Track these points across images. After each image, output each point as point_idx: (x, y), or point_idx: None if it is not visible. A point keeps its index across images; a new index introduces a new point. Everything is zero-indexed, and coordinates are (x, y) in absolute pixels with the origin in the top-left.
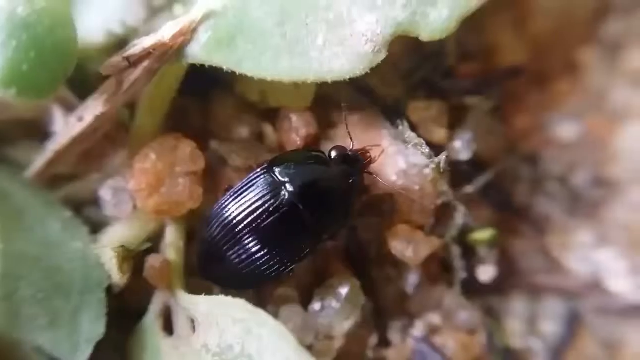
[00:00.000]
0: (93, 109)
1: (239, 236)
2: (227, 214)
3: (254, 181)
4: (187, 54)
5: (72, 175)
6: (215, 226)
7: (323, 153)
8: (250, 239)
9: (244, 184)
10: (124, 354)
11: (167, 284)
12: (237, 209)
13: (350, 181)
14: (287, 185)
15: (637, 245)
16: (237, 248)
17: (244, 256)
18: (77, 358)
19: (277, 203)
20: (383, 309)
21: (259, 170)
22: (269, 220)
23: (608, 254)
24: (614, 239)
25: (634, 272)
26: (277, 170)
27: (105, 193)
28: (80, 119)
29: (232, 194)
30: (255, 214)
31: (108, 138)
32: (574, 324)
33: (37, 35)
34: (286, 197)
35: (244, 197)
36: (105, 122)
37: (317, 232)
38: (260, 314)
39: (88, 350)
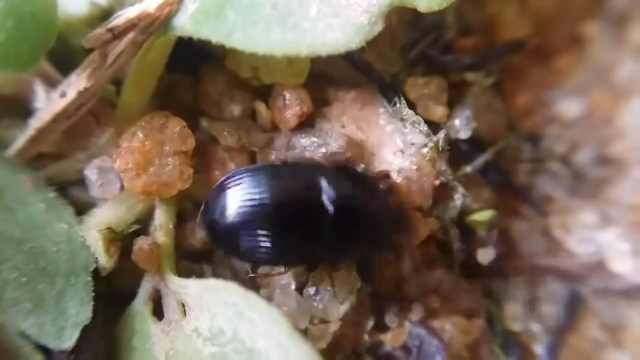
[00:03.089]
0: (76, 84)
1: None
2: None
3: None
4: (174, 26)
5: (56, 154)
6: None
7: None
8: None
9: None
10: (112, 339)
11: (157, 267)
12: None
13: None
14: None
15: None
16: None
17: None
18: (63, 343)
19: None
20: (380, 293)
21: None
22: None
23: (611, 235)
24: (617, 219)
25: (638, 253)
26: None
27: (91, 173)
28: (63, 95)
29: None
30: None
31: (93, 115)
32: (575, 306)
33: (13, 3)
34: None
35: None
36: (90, 98)
37: (335, 247)
38: (252, 298)
39: (74, 335)
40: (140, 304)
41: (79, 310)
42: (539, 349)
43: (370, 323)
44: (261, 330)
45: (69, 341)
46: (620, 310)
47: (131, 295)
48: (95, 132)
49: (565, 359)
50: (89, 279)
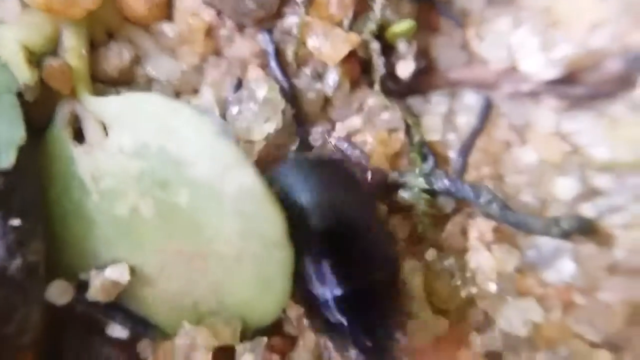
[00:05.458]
0: None
1: None
2: None
3: None
4: None
5: None
6: None
7: None
8: None
9: None
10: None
11: (71, 88)
12: None
13: None
14: None
15: (553, 24)
16: None
17: None
18: (1, 162)
19: None
20: (305, 116)
21: None
22: None
23: (522, 34)
24: (531, 21)
25: (546, 48)
26: None
27: None
28: None
29: None
30: None
31: None
32: (486, 112)
33: None
34: None
35: None
36: None
37: None
38: (175, 105)
39: (11, 155)
40: (59, 129)
41: (10, 131)
42: (451, 153)
43: (295, 144)
44: (187, 137)
45: (6, 161)
46: (527, 110)
47: (49, 124)
48: None
49: (474, 160)
50: (15, 99)
